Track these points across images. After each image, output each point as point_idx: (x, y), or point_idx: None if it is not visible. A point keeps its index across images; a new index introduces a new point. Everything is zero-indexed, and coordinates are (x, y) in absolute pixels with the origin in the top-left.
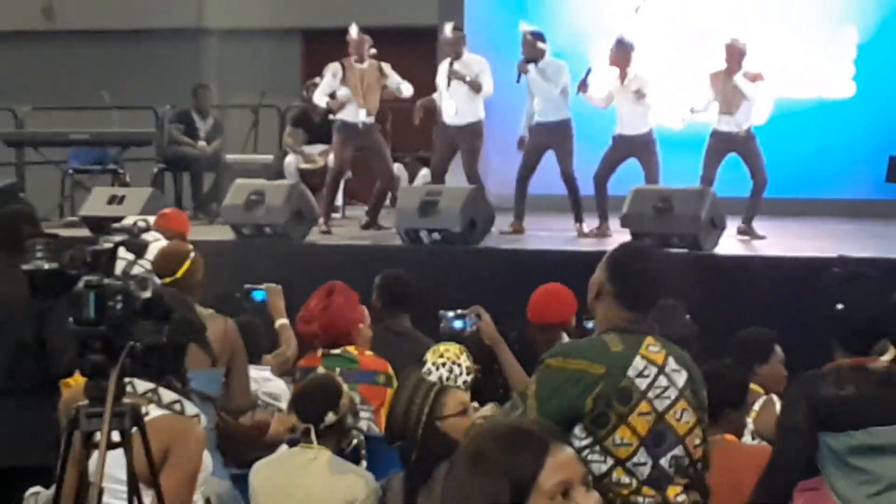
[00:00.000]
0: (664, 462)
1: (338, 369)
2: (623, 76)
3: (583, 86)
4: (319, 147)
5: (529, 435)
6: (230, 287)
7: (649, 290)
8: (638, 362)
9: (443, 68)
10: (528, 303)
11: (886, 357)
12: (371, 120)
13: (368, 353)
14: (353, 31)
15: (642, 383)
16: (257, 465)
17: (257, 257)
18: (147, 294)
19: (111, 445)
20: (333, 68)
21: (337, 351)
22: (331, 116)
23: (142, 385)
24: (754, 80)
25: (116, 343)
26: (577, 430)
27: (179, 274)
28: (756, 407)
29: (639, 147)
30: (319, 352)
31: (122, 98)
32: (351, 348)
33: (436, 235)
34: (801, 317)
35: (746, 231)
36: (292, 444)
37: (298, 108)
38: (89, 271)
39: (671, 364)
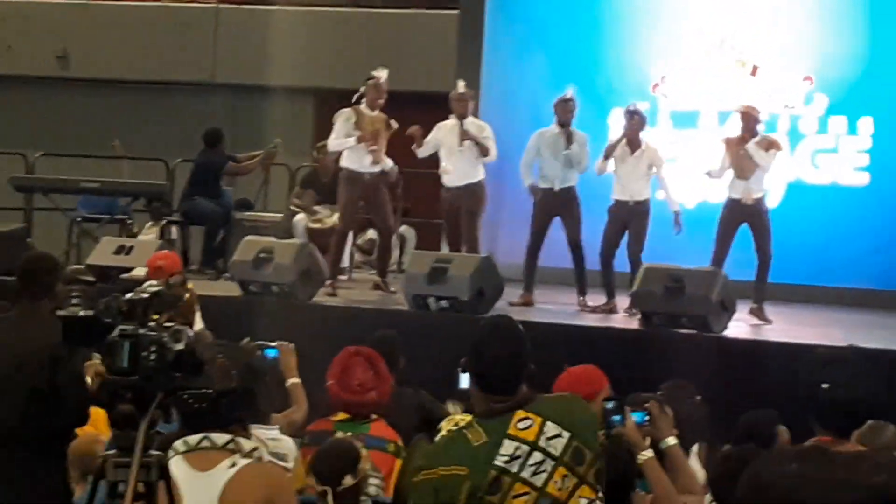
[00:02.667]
0: None
1: (349, 434)
2: (634, 146)
3: (610, 152)
4: (328, 208)
5: None
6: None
7: (507, 374)
8: (506, 446)
9: (445, 128)
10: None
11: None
12: (377, 169)
13: (380, 420)
14: (384, 75)
15: (514, 465)
16: None
17: (263, 315)
18: (180, 346)
19: (136, 497)
20: (346, 113)
21: (348, 416)
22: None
23: (220, 437)
24: (769, 147)
25: (147, 393)
26: None
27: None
28: None
29: (636, 214)
30: (339, 416)
31: (133, 148)
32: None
33: (443, 303)
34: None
35: (758, 312)
36: None
37: (308, 168)
38: (124, 320)
39: (547, 431)
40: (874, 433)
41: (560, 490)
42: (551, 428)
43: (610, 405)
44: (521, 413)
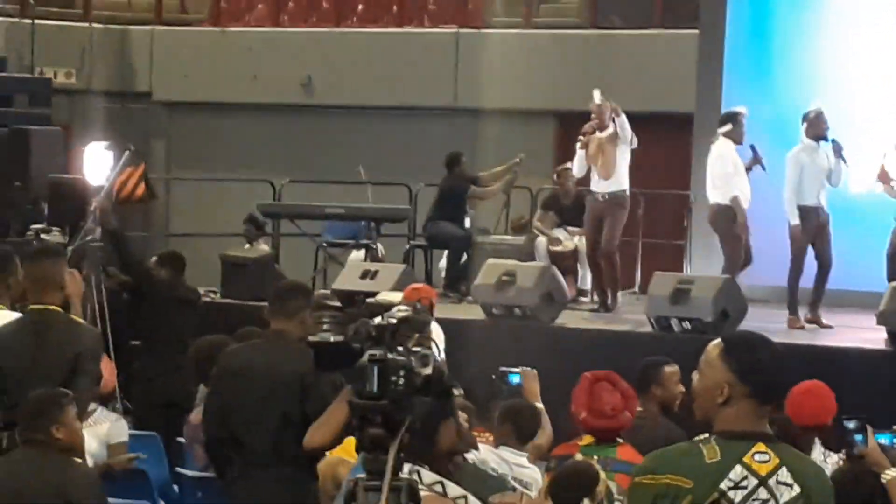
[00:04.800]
0: None
1: (595, 457)
2: None
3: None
4: (569, 230)
5: None
6: (478, 366)
7: (784, 379)
8: (736, 472)
9: (727, 150)
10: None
11: None
12: (612, 189)
13: (627, 445)
14: (597, 96)
15: (737, 495)
16: None
17: (506, 338)
18: (428, 371)
19: None
20: (581, 139)
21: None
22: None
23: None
24: None
25: (396, 418)
26: None
27: None
28: None
29: None
30: (585, 440)
31: (376, 173)
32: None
33: (686, 324)
34: None
35: None
36: None
37: (549, 191)
38: (373, 345)
39: (781, 476)
40: None
41: None
42: (785, 475)
43: (851, 425)
44: (761, 446)
